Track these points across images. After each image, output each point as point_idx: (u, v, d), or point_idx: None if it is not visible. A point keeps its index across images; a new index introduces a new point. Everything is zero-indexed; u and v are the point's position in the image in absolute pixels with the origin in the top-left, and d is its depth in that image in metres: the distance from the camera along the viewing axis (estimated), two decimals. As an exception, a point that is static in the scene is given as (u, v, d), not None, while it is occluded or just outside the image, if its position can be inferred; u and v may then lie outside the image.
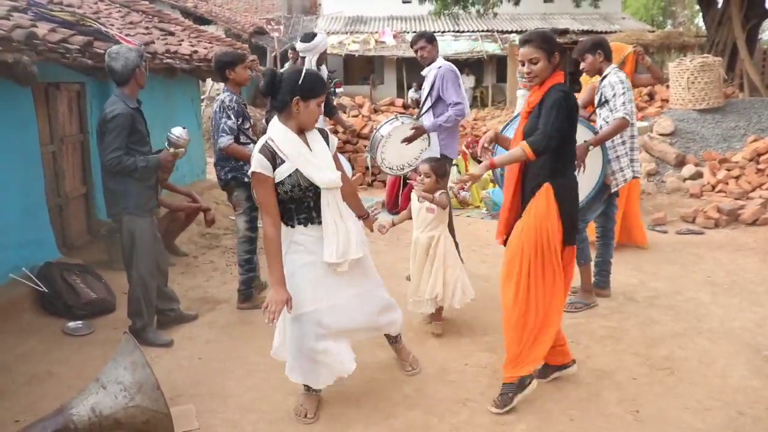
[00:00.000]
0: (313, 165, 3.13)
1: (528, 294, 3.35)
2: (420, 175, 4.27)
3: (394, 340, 3.81)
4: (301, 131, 3.19)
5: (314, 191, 3.16)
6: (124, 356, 3.10)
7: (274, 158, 3.09)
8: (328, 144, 3.28)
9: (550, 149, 3.23)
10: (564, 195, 3.34)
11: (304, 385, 3.38)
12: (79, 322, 4.58)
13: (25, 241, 4.93)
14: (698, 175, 9.17)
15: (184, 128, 4.30)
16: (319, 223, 3.19)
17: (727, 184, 8.66)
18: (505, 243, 3.56)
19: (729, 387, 3.60)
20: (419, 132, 5.19)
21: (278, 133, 3.13)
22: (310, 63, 5.67)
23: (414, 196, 4.38)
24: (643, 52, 5.71)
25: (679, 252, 6.38)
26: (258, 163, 3.07)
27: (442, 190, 4.24)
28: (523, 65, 3.37)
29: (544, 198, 3.32)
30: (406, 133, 5.14)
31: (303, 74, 3.10)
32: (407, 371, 3.82)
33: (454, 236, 5.94)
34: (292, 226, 3.23)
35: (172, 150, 4.22)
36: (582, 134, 4.28)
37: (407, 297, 4.41)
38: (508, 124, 4.43)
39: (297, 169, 3.10)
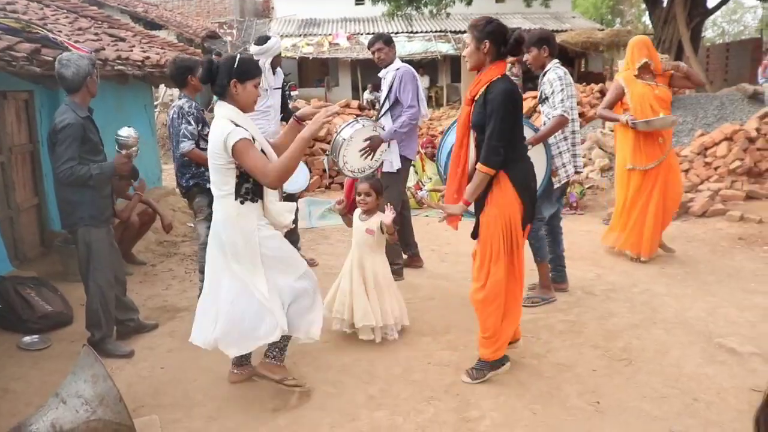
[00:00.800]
0: (261, 140, 3.37)
1: (497, 276, 3.55)
2: (360, 195, 4.29)
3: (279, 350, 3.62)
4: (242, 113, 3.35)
5: None
6: (84, 369, 3.04)
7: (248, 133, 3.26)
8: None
9: (503, 153, 3.41)
10: (520, 178, 3.53)
11: (278, 354, 3.57)
12: (35, 336, 4.47)
13: (-25, 255, 4.79)
14: (649, 170, 9.38)
15: (130, 127, 4.24)
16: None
17: (676, 177, 8.89)
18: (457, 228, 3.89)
19: (684, 375, 3.71)
20: (376, 143, 5.17)
21: (236, 115, 3.28)
22: (263, 66, 5.64)
23: (356, 214, 4.40)
24: (678, 65, 6.01)
25: (633, 245, 6.53)
26: (240, 132, 3.17)
27: (387, 214, 4.23)
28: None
29: (502, 187, 3.49)
30: (366, 134, 5.15)
31: (237, 58, 3.29)
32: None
33: (412, 237, 6.00)
34: (255, 201, 3.39)
35: (124, 152, 4.14)
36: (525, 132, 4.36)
37: (331, 310, 4.31)
38: (449, 129, 4.48)
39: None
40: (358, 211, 4.40)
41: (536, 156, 4.43)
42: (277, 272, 3.37)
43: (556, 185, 4.88)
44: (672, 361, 3.90)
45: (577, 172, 5.02)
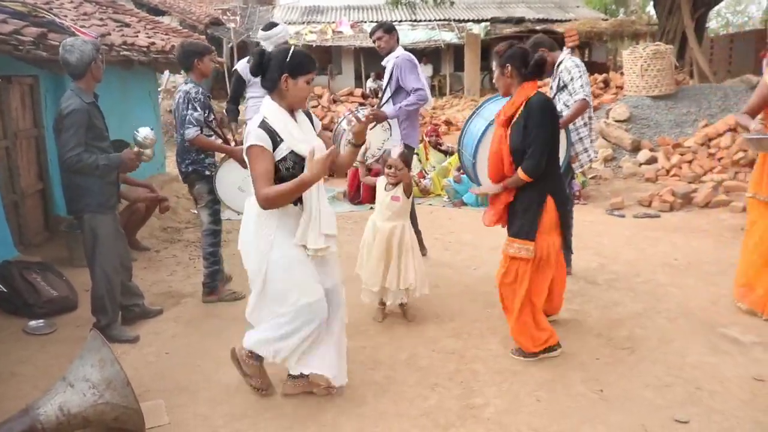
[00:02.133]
0: (302, 143, 3.09)
1: (524, 299, 3.76)
2: (391, 168, 4.30)
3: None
4: (291, 110, 3.16)
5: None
6: (91, 353, 3.06)
7: (273, 135, 3.04)
8: (312, 125, 3.31)
9: (544, 164, 3.54)
10: (560, 201, 3.70)
11: (254, 360, 3.42)
12: (41, 320, 4.50)
13: (-20, 240, 4.81)
14: (653, 160, 9.41)
15: (151, 129, 4.22)
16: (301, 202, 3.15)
17: (680, 168, 8.91)
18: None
19: (687, 364, 3.72)
20: (380, 118, 5.20)
21: (274, 112, 3.09)
22: None
23: (380, 184, 4.42)
24: None
25: (636, 236, 6.55)
26: (257, 137, 3.00)
27: (395, 149, 4.36)
28: None
29: (548, 211, 3.66)
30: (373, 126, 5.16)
31: (291, 51, 3.06)
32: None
33: (416, 225, 6.00)
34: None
35: (136, 149, 4.15)
36: None
37: (362, 286, 4.43)
38: (471, 116, 4.48)
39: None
40: (382, 181, 4.42)
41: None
42: (271, 301, 3.24)
43: (578, 170, 4.96)
44: (675, 350, 3.92)
45: (591, 159, 5.08)
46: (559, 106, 4.89)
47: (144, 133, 4.15)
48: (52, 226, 6.20)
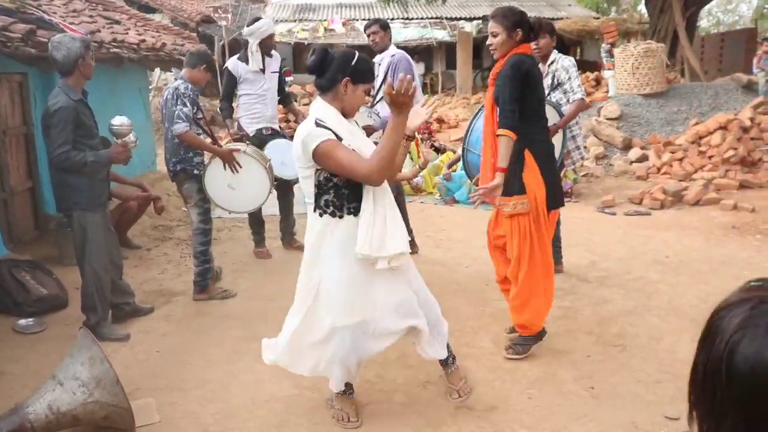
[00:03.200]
0: (363, 147, 2.94)
1: (533, 253, 3.68)
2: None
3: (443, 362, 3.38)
4: (344, 115, 2.98)
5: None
6: (81, 351, 3.04)
7: (332, 132, 2.86)
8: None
9: (517, 117, 3.47)
10: (542, 159, 3.62)
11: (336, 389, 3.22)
12: (30, 319, 4.47)
13: (-31, 238, 4.78)
14: (644, 158, 9.44)
15: (122, 115, 4.17)
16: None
17: (671, 166, 8.94)
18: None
19: (677, 360, 3.73)
20: (368, 132, 5.20)
21: (327, 113, 2.91)
22: (251, 47, 5.60)
23: None
24: None
25: (628, 233, 6.57)
26: (320, 134, 2.79)
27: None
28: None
29: (528, 166, 3.58)
30: (362, 121, 5.15)
31: (357, 56, 2.93)
32: (453, 398, 3.37)
33: (408, 223, 6.00)
34: (341, 217, 2.90)
35: (119, 141, 4.11)
36: (550, 116, 4.40)
37: None
38: (477, 114, 4.46)
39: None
40: None
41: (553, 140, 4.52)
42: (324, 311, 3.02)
43: (569, 168, 4.99)
44: (666, 347, 3.93)
45: (582, 158, 5.16)
46: None
47: (118, 121, 4.07)
48: (41, 224, 6.16)
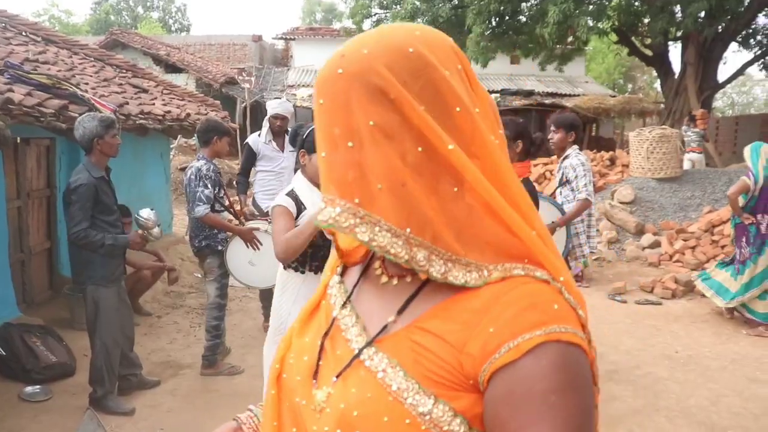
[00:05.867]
0: None
1: None
2: None
3: None
4: (317, 185, 3.22)
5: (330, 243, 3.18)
6: (86, 434, 3.07)
7: (298, 202, 3.21)
8: None
9: None
10: None
11: None
12: (37, 387, 4.49)
13: (-16, 300, 4.84)
14: (656, 244, 9.44)
15: (152, 209, 4.32)
16: None
17: (683, 254, 8.93)
18: None
19: (685, 470, 3.68)
20: None
21: (299, 184, 3.27)
22: (265, 125, 5.85)
23: None
24: None
25: (637, 324, 6.53)
26: (282, 200, 3.20)
27: None
28: None
29: None
30: None
31: (309, 130, 3.22)
32: None
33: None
34: (302, 272, 3.26)
35: (141, 232, 4.24)
36: (549, 213, 4.47)
37: None
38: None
39: None
40: None
41: (556, 236, 4.56)
42: None
43: (572, 263, 5.00)
44: (673, 453, 3.88)
45: (591, 252, 5.18)
46: (560, 199, 5.00)
47: (145, 214, 4.26)
48: (56, 285, 6.24)
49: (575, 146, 5.02)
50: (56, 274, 6.32)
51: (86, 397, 4.21)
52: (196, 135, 5.10)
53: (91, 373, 4.24)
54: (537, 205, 3.63)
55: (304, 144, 3.20)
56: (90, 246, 4.00)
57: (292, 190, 3.25)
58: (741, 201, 5.97)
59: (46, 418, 4.14)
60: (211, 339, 4.88)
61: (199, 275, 7.26)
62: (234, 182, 6.34)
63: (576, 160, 4.89)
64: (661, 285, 7.69)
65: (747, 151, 6.11)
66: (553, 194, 5.12)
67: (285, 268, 3.28)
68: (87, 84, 6.04)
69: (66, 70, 6.15)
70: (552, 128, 5.07)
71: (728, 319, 6.58)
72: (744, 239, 6.13)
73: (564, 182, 4.96)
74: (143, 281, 6.16)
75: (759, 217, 6.01)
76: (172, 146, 13.01)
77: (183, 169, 11.63)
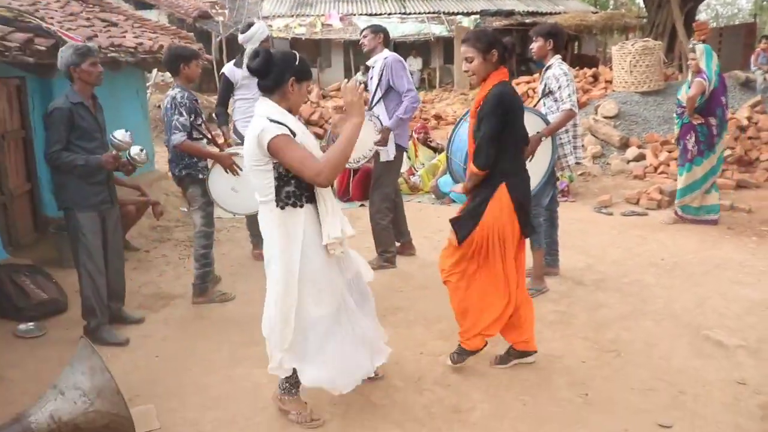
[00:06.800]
0: (313, 147, 3.09)
1: (473, 277, 3.69)
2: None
3: None
4: (291, 113, 3.12)
5: None
6: (81, 361, 3.08)
7: (287, 128, 2.98)
8: None
9: (492, 156, 3.43)
10: (518, 191, 3.56)
11: (289, 389, 3.32)
12: (31, 323, 4.50)
13: (-32, 243, 4.81)
14: (641, 157, 9.47)
15: (127, 131, 4.24)
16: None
17: (668, 165, 8.97)
18: None
19: (672, 368, 3.78)
20: (386, 135, 5.32)
21: (277, 111, 3.02)
22: (246, 54, 5.62)
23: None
24: None
25: (624, 234, 6.61)
26: (276, 128, 2.91)
27: None
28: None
29: (499, 198, 3.52)
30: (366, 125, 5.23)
31: (298, 57, 3.10)
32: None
33: (405, 226, 6.04)
34: (301, 206, 3.05)
35: (114, 152, 4.18)
36: (534, 124, 4.42)
37: None
38: (459, 121, 4.47)
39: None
40: None
41: (542, 146, 4.53)
42: (311, 302, 3.11)
43: (559, 173, 5.00)
44: (660, 353, 3.98)
45: (577, 162, 5.18)
46: (543, 110, 4.93)
47: (119, 135, 4.18)
48: (41, 226, 6.19)
49: (558, 56, 4.91)
50: (40, 215, 6.25)
51: (81, 330, 4.23)
52: (164, 66, 4.96)
53: (83, 305, 4.26)
54: (522, 111, 3.58)
55: (295, 71, 3.04)
56: (63, 167, 4.04)
57: (269, 118, 2.97)
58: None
59: (42, 352, 4.17)
60: (201, 267, 4.89)
61: (185, 209, 7.22)
62: (214, 115, 6.20)
63: (559, 70, 4.80)
64: (646, 196, 7.75)
65: (700, 53, 6.56)
66: (536, 105, 5.04)
67: (283, 206, 3.03)
68: (52, 18, 5.82)
69: (29, 5, 5.92)
70: (533, 39, 4.99)
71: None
72: (693, 138, 6.67)
73: (547, 93, 4.88)
74: (128, 216, 6.10)
75: (711, 119, 6.52)
76: (148, 84, 12.73)
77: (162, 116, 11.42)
